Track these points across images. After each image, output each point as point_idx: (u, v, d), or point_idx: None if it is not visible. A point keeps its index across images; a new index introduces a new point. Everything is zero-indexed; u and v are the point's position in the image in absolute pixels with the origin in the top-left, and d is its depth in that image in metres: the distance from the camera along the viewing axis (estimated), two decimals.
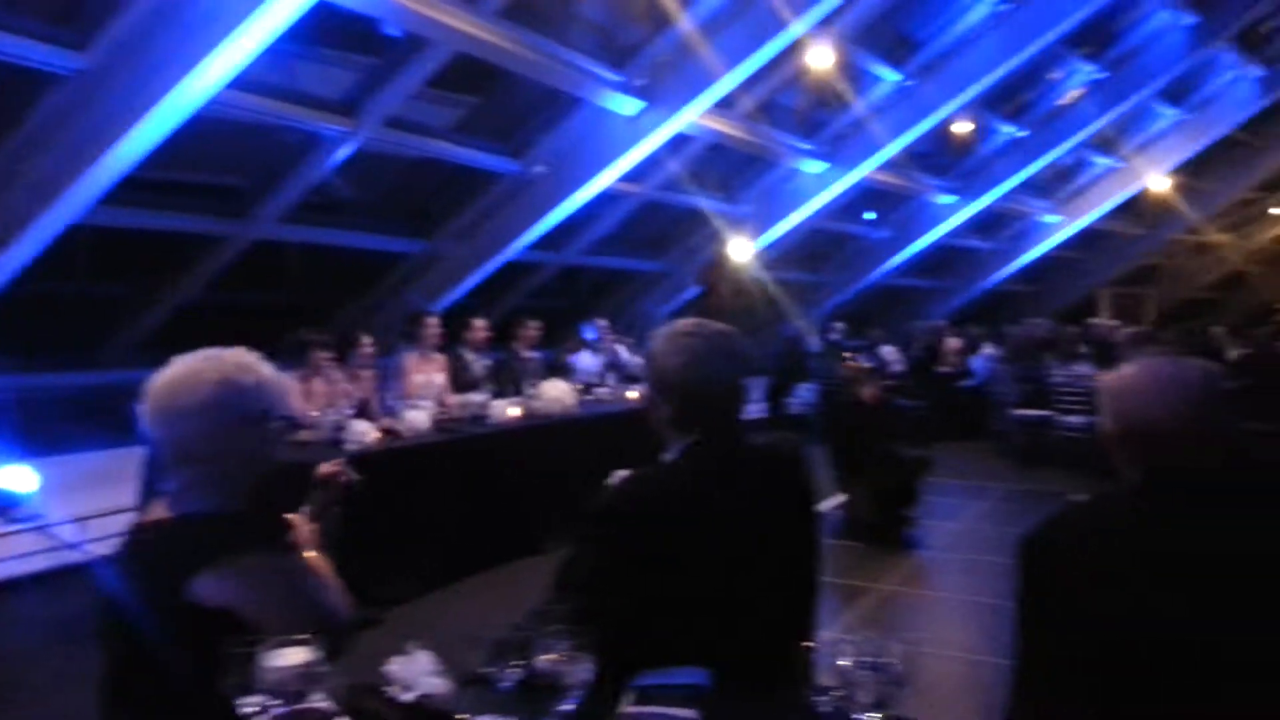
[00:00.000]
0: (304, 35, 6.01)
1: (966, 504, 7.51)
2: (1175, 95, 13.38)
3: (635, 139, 8.17)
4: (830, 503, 6.69)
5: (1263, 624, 1.61)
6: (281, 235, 7.62)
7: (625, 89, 7.91)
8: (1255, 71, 13.17)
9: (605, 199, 9.36)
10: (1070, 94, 12.24)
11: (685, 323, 2.10)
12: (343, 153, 7.06)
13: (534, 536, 5.62)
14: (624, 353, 8.64)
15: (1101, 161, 14.57)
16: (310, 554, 1.86)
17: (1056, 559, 1.71)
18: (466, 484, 5.50)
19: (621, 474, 2.01)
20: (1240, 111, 13.79)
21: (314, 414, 5.09)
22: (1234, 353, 10.38)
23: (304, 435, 4.94)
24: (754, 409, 11.48)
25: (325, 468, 2.08)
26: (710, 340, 2.03)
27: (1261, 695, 1.58)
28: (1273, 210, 18.17)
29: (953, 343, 12.28)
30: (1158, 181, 14.53)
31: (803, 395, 11.78)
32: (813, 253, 13.43)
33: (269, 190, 7.17)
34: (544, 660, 1.54)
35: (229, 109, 6.10)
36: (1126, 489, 1.75)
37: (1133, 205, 15.46)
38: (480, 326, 7.18)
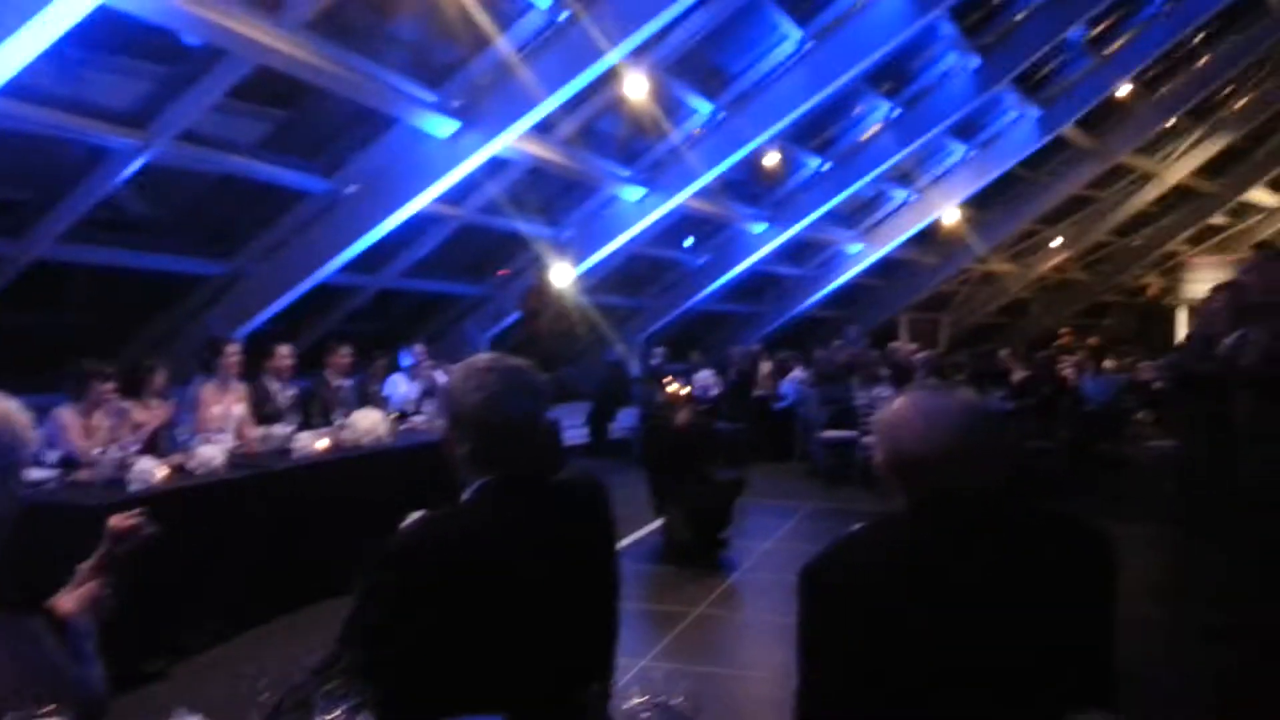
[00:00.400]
0: (94, 43, 5.63)
1: (777, 524, 7.74)
2: (965, 132, 14.35)
3: (452, 161, 8.04)
4: (647, 528, 6.76)
5: (1031, 643, 1.71)
6: (65, 255, 7.07)
7: (441, 110, 7.79)
8: (1034, 112, 14.28)
9: (423, 221, 9.18)
10: (870, 129, 12.93)
11: (483, 357, 2.05)
12: (132, 167, 6.62)
13: (342, 576, 5.38)
14: (442, 379, 8.44)
15: (899, 194, 15.44)
16: (68, 613, 1.71)
17: (833, 587, 1.77)
18: (268, 522, 5.21)
19: (416, 515, 1.95)
20: (1021, 149, 14.87)
21: (94, 451, 4.71)
22: (1018, 374, 11.17)
23: (82, 475, 4.55)
24: (576, 434, 11.51)
25: (120, 520, 1.88)
26: (507, 376, 1.98)
27: (1030, 714, 1.68)
28: (1051, 243, 19.67)
29: (765, 367, 12.69)
30: (949, 213, 15.50)
31: (625, 420, 11.90)
32: (633, 278, 13.59)
33: (50, 206, 6.65)
34: None
35: (4, 119, 5.64)
36: (898, 516, 1.84)
37: (928, 235, 16.43)
38: (285, 354, 6.85)
